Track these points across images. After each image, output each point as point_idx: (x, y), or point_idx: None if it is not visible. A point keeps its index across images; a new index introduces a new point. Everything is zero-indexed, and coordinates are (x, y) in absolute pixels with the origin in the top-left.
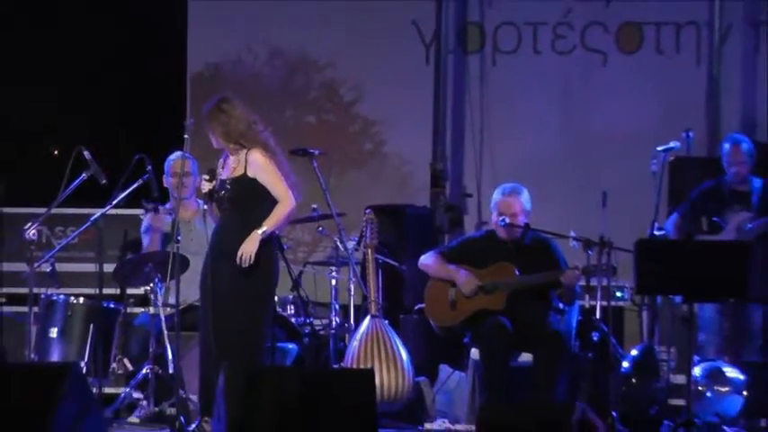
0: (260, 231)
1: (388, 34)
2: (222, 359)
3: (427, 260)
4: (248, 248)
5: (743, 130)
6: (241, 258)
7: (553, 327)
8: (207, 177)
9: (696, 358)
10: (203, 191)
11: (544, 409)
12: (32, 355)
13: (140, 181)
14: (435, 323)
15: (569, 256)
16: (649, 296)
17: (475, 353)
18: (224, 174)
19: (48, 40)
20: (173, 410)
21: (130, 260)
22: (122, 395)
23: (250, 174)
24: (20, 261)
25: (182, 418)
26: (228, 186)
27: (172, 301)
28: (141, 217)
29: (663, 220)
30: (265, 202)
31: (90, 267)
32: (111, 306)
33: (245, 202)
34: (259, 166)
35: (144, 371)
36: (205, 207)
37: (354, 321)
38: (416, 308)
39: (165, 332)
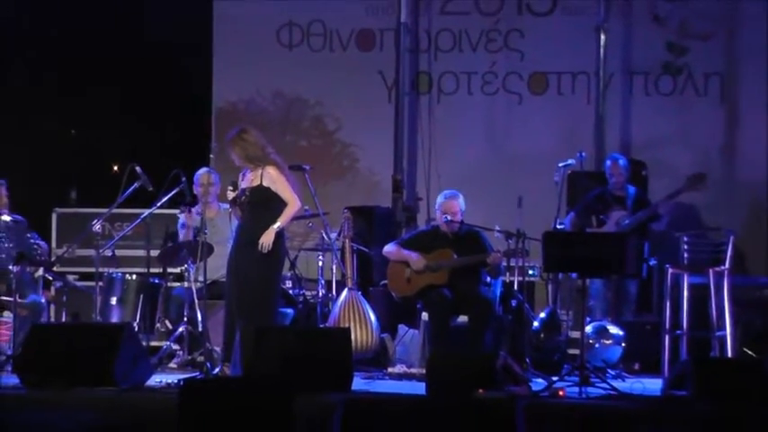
0: (275, 226)
1: (360, 80)
2: (242, 320)
3: (389, 248)
4: (267, 239)
5: (621, 150)
6: (261, 246)
7: (483, 295)
8: (231, 188)
9: (587, 319)
10: (228, 198)
11: (476, 357)
12: (98, 318)
13: (177, 189)
14: (395, 294)
15: (494, 244)
16: (553, 273)
17: (425, 316)
18: (244, 184)
19: (115, 92)
20: (201, 358)
21: (170, 247)
22: (164, 347)
23: (265, 184)
24: (89, 248)
25: (208, 364)
26: (248, 194)
27: (201, 277)
28: (178, 216)
29: (563, 217)
30: (276, 204)
31: (140, 252)
32: (156, 281)
33: (262, 204)
34: (273, 178)
35: (180, 329)
36: (229, 209)
37: (336, 293)
38: (382, 283)
39: (196, 300)
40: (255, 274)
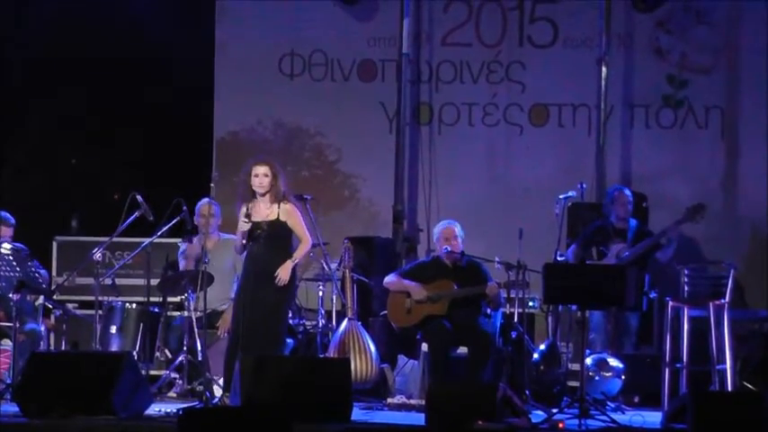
0: (292, 261)
1: (361, 111)
2: (251, 350)
3: (389, 279)
4: (285, 273)
5: (621, 182)
6: (279, 279)
7: (482, 327)
8: (245, 220)
9: (587, 351)
10: (243, 229)
11: (476, 388)
12: (98, 346)
13: (178, 218)
14: (395, 324)
15: (495, 275)
16: (553, 305)
17: (424, 346)
18: (258, 218)
19: (116, 121)
20: (201, 388)
21: (170, 276)
22: (164, 376)
23: (282, 219)
24: (89, 276)
25: (207, 393)
26: (265, 227)
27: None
28: (179, 244)
29: (563, 249)
30: (290, 239)
31: (140, 281)
32: (156, 310)
33: (278, 238)
34: (290, 214)
35: (180, 358)
36: (227, 239)
37: (336, 323)
38: (381, 313)
39: (196, 330)
40: (269, 306)
